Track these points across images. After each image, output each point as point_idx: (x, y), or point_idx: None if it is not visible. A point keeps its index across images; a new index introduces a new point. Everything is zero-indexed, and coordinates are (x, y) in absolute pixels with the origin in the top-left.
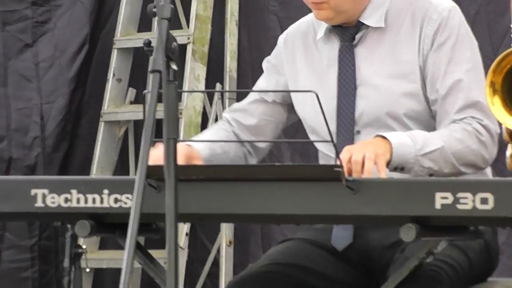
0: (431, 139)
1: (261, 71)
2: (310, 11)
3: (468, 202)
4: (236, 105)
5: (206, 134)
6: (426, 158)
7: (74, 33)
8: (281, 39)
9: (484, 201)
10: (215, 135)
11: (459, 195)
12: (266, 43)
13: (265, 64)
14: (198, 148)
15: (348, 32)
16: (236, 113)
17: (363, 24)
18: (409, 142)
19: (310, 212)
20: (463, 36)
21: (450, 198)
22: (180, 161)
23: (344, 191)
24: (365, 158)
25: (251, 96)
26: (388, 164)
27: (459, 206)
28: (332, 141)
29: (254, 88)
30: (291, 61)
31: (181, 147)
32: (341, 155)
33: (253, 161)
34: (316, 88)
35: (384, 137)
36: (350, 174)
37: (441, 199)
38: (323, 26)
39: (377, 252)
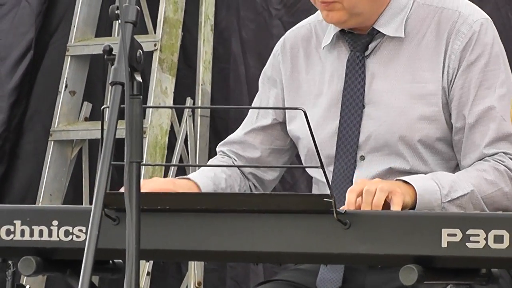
0: (458, 182)
1: (257, 84)
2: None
3: (479, 240)
4: (231, 137)
5: (205, 169)
6: (453, 204)
7: (17, 38)
8: (277, 46)
9: (498, 239)
10: (217, 168)
11: (470, 232)
12: (265, 51)
13: (261, 79)
14: (199, 183)
15: (360, 41)
16: (233, 145)
17: (379, 32)
18: (435, 186)
19: (294, 250)
20: (497, 55)
21: (458, 235)
22: None
23: (334, 225)
24: (377, 189)
25: (246, 126)
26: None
27: (469, 245)
28: (322, 166)
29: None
30: (289, 72)
31: (181, 183)
32: (352, 187)
33: None
34: (316, 105)
35: (406, 182)
36: (359, 209)
37: (448, 236)
38: (330, 32)
39: None
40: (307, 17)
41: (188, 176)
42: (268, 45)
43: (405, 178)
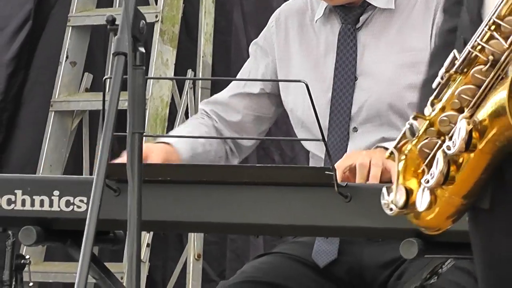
0: None
1: None
2: None
3: None
4: (216, 97)
5: (184, 130)
6: None
7: (16, 8)
8: (272, 18)
9: None
10: (196, 131)
11: None
12: (265, 24)
13: (252, 48)
14: (178, 148)
15: (351, 13)
16: (216, 106)
17: (370, 4)
18: None
19: (295, 222)
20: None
21: None
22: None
23: (335, 198)
24: (371, 164)
25: (233, 88)
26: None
27: None
28: (323, 139)
29: (239, 75)
30: (282, 43)
31: (158, 147)
32: (339, 162)
33: (234, 161)
34: (309, 77)
35: (386, 149)
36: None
37: None
38: (323, 4)
39: (370, 271)
40: None
41: (168, 140)
42: (269, 17)
43: (385, 144)
